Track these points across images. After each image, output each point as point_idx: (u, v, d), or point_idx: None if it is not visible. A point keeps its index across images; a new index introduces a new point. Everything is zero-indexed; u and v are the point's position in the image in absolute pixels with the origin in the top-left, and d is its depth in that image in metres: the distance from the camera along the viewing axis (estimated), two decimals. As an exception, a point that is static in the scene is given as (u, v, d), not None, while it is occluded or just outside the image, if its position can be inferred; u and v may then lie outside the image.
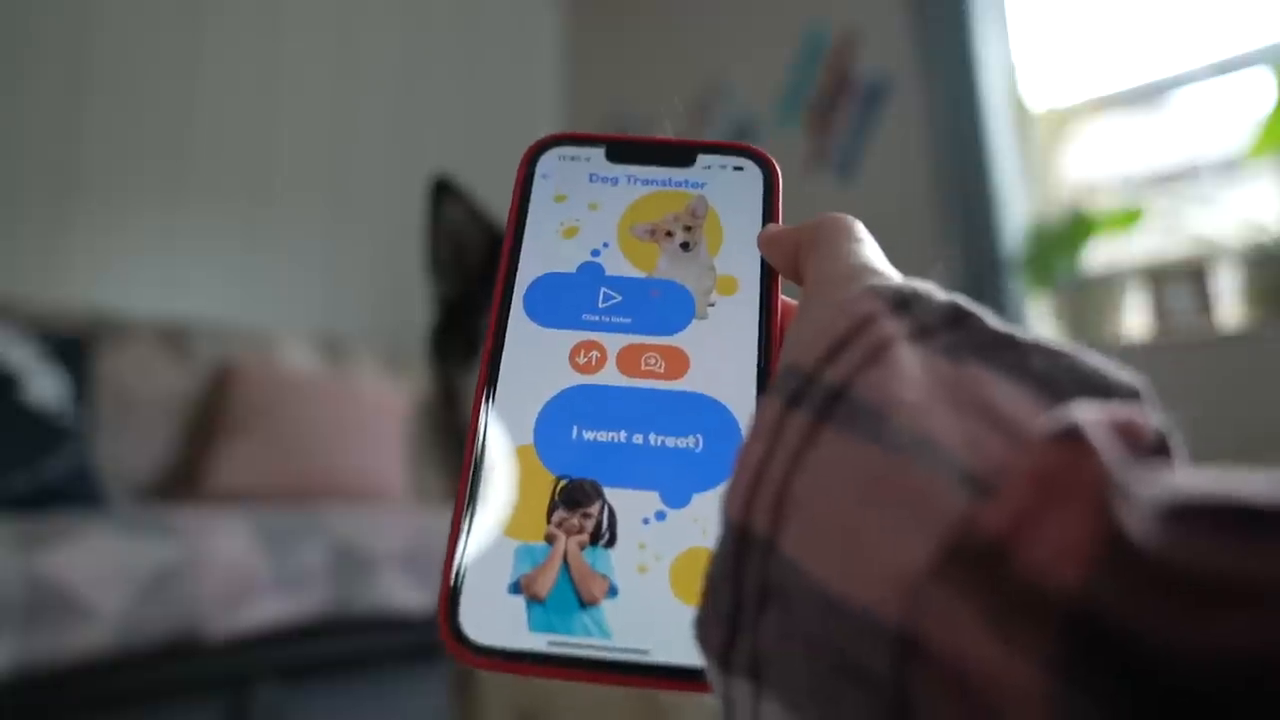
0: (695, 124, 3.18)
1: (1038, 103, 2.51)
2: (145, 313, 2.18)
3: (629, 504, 0.25)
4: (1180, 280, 2.14)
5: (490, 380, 0.28)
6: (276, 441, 2.05)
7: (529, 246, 0.31)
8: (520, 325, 0.29)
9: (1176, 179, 2.35)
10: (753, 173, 0.32)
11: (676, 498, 0.25)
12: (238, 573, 1.36)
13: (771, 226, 0.30)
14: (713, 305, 0.29)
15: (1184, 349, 2.06)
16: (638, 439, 0.26)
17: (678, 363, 0.28)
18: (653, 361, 0.28)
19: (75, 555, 1.20)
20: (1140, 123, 2.42)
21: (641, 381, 0.28)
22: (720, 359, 0.28)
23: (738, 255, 0.30)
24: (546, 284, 0.30)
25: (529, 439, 0.26)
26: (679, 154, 0.33)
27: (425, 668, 1.60)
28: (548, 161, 0.33)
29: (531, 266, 0.30)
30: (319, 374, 2.34)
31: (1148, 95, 2.38)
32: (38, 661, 1.14)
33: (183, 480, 2.02)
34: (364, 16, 2.96)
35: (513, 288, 0.30)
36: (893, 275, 0.24)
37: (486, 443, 0.26)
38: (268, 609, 1.39)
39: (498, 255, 0.83)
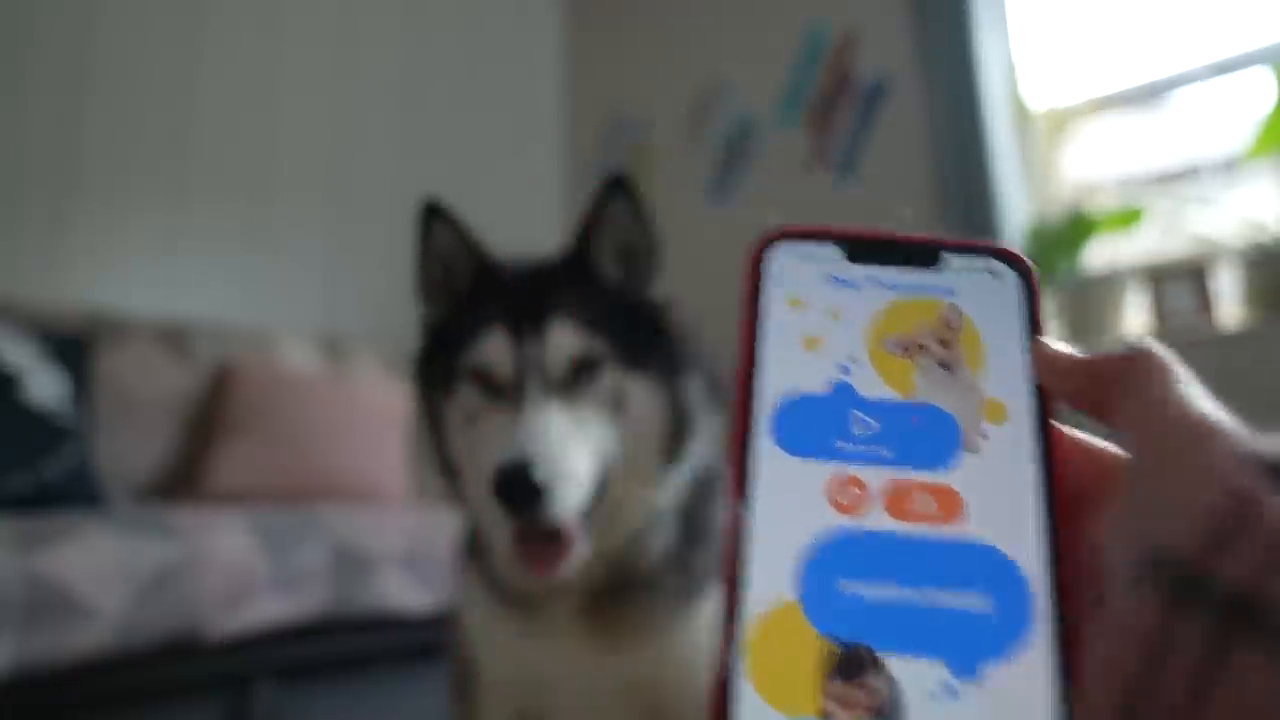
0: (695, 124, 3.18)
1: (1038, 103, 2.50)
2: (145, 313, 2.17)
3: (911, 675, 0.22)
4: (1180, 279, 2.14)
5: (743, 519, 0.25)
6: (276, 442, 2.04)
7: (769, 359, 0.28)
8: (769, 454, 0.26)
9: (1176, 179, 2.35)
10: (1008, 278, 0.29)
11: (964, 667, 0.22)
12: (237, 573, 1.35)
13: (1054, 349, 0.27)
14: (985, 437, 0.26)
15: (1184, 348, 2.05)
16: (915, 596, 0.23)
17: (951, 504, 0.25)
18: (924, 502, 0.25)
19: (75, 555, 1.20)
20: (1140, 123, 2.42)
21: (913, 526, 0.24)
22: (997, 501, 0.25)
23: (1002, 376, 0.27)
24: (795, 407, 0.27)
25: (794, 593, 0.23)
26: (922, 253, 0.30)
27: (424, 667, 1.60)
28: (779, 259, 0.30)
29: (774, 383, 0.27)
30: (319, 374, 2.33)
31: (1148, 95, 2.38)
32: (38, 661, 1.13)
33: (182, 480, 2.01)
34: (364, 18, 2.96)
35: (756, 407, 0.27)
36: (1239, 429, 0.21)
37: (746, 593, 0.24)
38: (267, 609, 1.38)
39: (483, 280, 0.82)
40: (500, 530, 0.78)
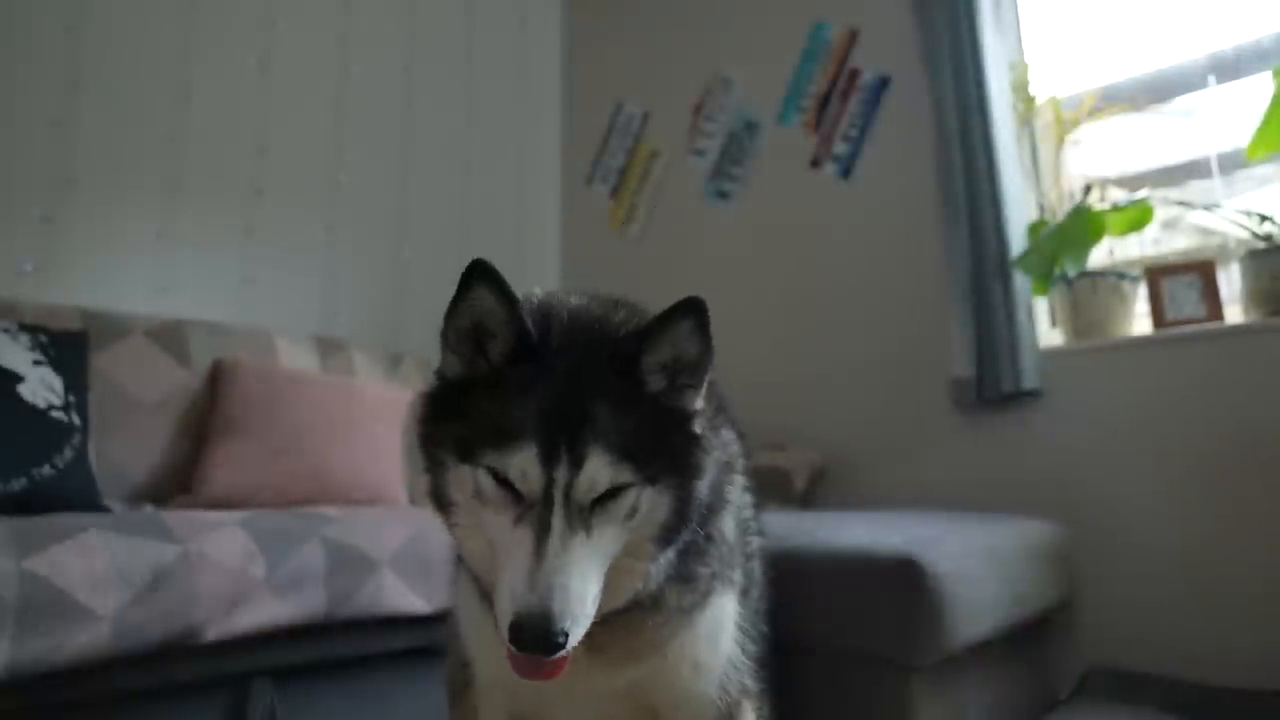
0: (696, 121, 3.17)
1: (1043, 101, 2.49)
2: (142, 314, 2.16)
3: None
4: (1184, 276, 2.13)
5: None
6: (273, 443, 2.04)
7: None
8: None
9: (1182, 176, 2.34)
10: None
11: None
12: (235, 574, 1.35)
13: None
14: None
15: (1187, 344, 2.06)
16: None
17: None
18: None
19: (72, 556, 1.19)
20: (1146, 120, 2.41)
21: None
22: None
23: None
24: None
25: None
26: None
27: (422, 669, 1.59)
28: None
29: None
30: (315, 377, 2.32)
31: (1154, 93, 2.37)
32: (36, 661, 1.13)
33: (180, 481, 2.01)
34: (362, 17, 2.95)
35: None
36: None
37: None
38: (265, 611, 1.38)
39: (521, 358, 0.75)
40: (486, 573, 0.78)
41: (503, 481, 0.76)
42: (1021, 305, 2.24)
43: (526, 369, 0.81)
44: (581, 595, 0.72)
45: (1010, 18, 2.57)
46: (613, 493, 0.76)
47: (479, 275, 0.82)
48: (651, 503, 0.79)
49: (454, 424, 0.82)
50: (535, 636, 0.68)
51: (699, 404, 0.86)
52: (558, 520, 0.73)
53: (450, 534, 0.87)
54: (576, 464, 0.75)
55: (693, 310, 0.81)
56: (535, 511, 0.74)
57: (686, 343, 0.82)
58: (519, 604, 0.70)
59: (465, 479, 0.79)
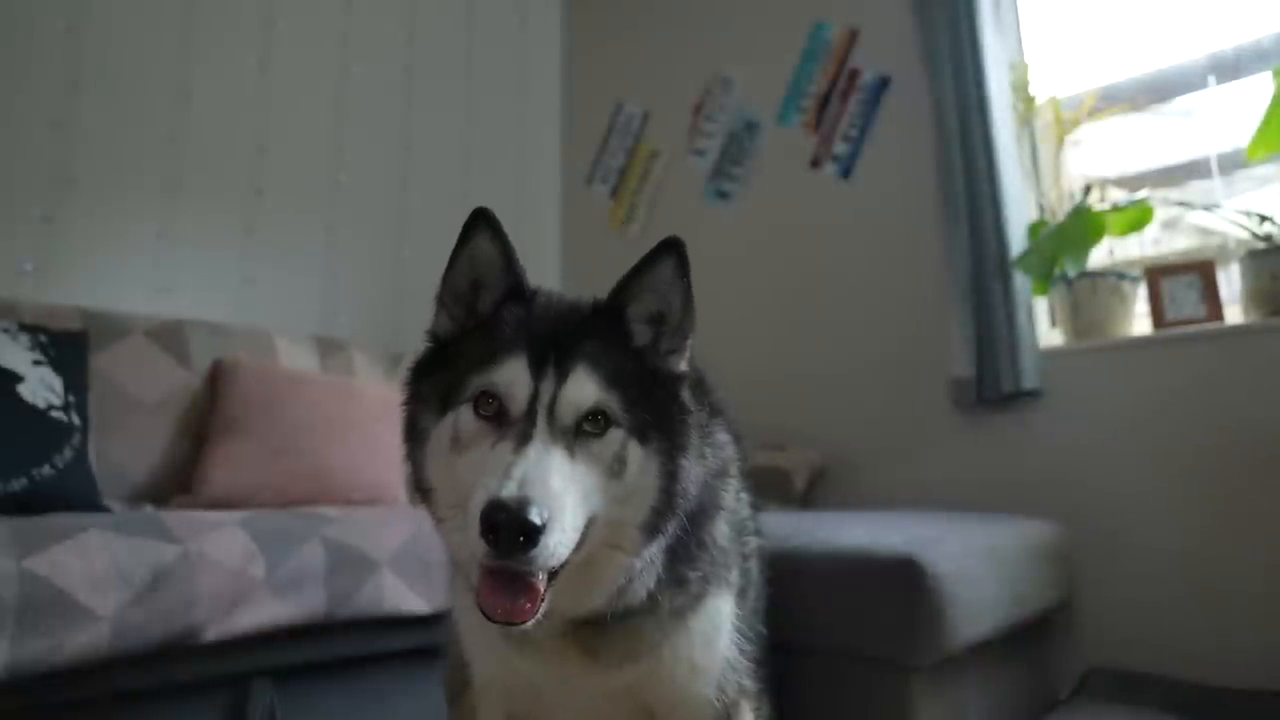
0: (696, 121, 3.17)
1: (1044, 101, 2.49)
2: (142, 314, 2.16)
3: None
4: (1184, 276, 2.13)
5: None
6: (273, 444, 2.04)
7: None
8: None
9: (1182, 176, 2.34)
10: None
11: None
12: (234, 574, 1.35)
13: None
14: None
15: (1187, 344, 2.05)
16: None
17: None
18: None
19: (72, 557, 1.19)
20: (1146, 120, 2.41)
21: None
22: None
23: None
24: None
25: None
26: None
27: (421, 669, 1.59)
28: None
29: None
30: (315, 377, 2.32)
31: (1154, 93, 2.37)
32: (36, 661, 1.13)
33: (180, 481, 2.01)
34: (362, 17, 2.95)
35: None
36: None
37: None
38: (265, 611, 1.38)
39: (512, 304, 0.77)
40: (471, 563, 0.75)
41: (485, 415, 0.76)
42: (1021, 305, 2.24)
43: (517, 308, 0.84)
44: (561, 499, 0.69)
45: (1010, 18, 2.56)
46: (599, 426, 0.76)
47: (483, 222, 0.84)
48: (640, 465, 0.78)
49: (439, 375, 0.83)
50: (510, 520, 0.64)
51: (683, 366, 0.86)
52: (540, 431, 0.73)
53: (436, 530, 0.86)
54: (562, 377, 0.76)
55: (673, 248, 0.83)
56: (517, 427, 0.74)
57: (669, 290, 0.84)
58: (493, 490, 0.66)
59: (444, 433, 0.79)
